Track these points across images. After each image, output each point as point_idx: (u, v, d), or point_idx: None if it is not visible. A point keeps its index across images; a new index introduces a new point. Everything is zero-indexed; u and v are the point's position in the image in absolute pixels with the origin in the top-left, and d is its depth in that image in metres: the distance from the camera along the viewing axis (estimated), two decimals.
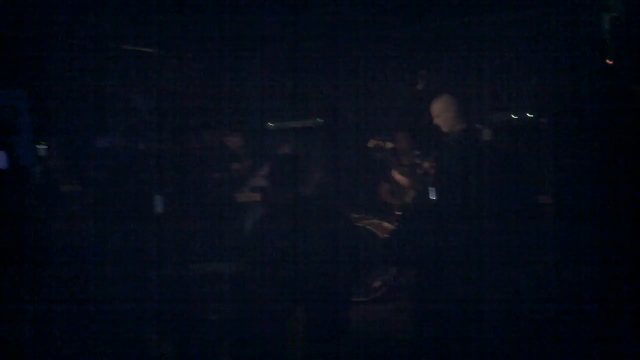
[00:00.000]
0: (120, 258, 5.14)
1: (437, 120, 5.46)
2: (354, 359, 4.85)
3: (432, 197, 5.31)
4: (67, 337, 4.56)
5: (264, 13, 6.37)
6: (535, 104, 6.85)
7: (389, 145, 6.70)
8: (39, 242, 4.81)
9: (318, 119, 7.36)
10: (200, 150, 6.56)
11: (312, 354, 4.65)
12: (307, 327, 4.67)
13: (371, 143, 6.81)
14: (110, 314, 4.85)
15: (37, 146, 6.87)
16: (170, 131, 6.58)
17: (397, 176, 6.44)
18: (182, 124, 6.89)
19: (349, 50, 7.48)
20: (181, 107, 7.17)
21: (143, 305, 4.97)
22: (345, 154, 7.46)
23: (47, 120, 6.78)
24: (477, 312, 4.97)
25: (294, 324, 4.69)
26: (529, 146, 6.72)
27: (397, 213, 6.72)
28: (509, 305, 5.06)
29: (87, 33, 6.30)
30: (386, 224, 6.66)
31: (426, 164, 6.38)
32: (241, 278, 5.35)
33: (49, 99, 6.78)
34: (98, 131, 6.35)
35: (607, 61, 6.31)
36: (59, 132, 6.41)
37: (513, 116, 6.97)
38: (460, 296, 4.97)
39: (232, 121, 7.15)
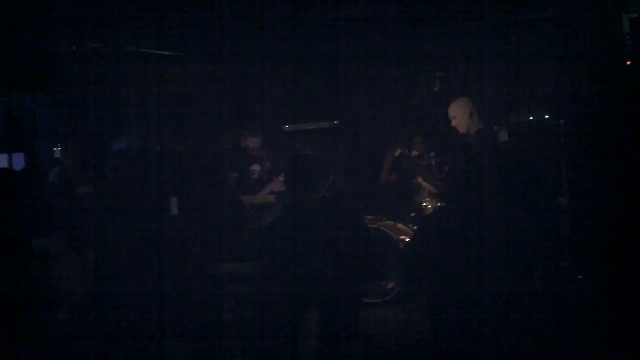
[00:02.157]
0: (135, 258, 5.20)
1: (454, 122, 5.52)
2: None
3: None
4: (77, 336, 4.61)
5: (277, 14, 6.41)
6: (554, 105, 6.80)
7: (415, 153, 6.85)
8: (55, 242, 4.87)
9: (333, 121, 7.39)
10: (216, 152, 6.61)
11: (324, 355, 4.66)
12: (320, 328, 4.68)
13: (397, 152, 6.98)
14: (123, 313, 4.90)
15: (54, 148, 6.99)
16: (186, 133, 6.63)
17: (424, 183, 6.60)
18: (197, 127, 6.95)
19: (362, 51, 7.49)
20: (197, 110, 7.23)
21: (154, 304, 5.02)
22: (359, 156, 7.46)
23: (64, 123, 6.88)
24: (491, 314, 4.95)
25: (306, 325, 4.70)
26: (547, 148, 6.66)
27: (412, 215, 6.72)
28: (522, 307, 5.04)
29: (104, 36, 6.37)
30: (400, 226, 6.65)
31: (445, 167, 6.41)
32: (254, 279, 5.38)
33: (66, 102, 6.88)
34: (114, 133, 6.41)
35: (627, 62, 6.25)
36: (76, 135, 6.49)
37: (531, 118, 6.92)
38: (473, 298, 4.96)
39: (248, 123, 7.18)
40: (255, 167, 6.93)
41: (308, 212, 4.53)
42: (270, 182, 6.78)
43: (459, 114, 5.48)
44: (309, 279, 4.51)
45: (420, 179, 6.63)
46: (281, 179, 6.68)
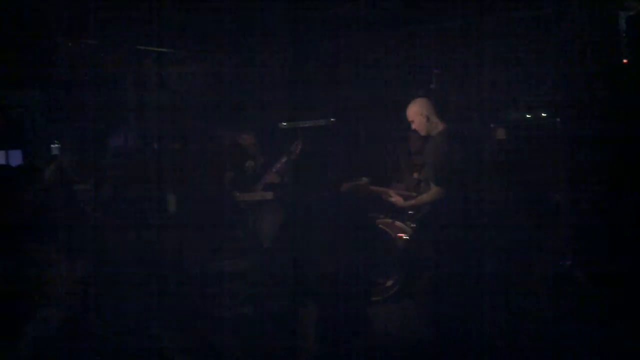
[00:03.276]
0: (132, 256, 5.18)
1: (414, 125, 5.41)
2: (365, 357, 4.85)
3: None
4: (75, 335, 4.59)
5: (274, 11, 6.41)
6: (550, 103, 6.82)
7: (364, 180, 6.19)
8: (53, 240, 4.84)
9: (331, 118, 7.37)
10: (213, 149, 6.60)
11: (324, 352, 4.66)
12: (319, 325, 4.68)
13: (344, 187, 5.88)
14: (121, 312, 4.88)
15: (52, 145, 6.97)
16: (183, 130, 6.62)
17: (393, 198, 5.84)
18: (195, 123, 6.94)
19: (358, 48, 7.49)
20: (194, 106, 7.22)
21: (152, 302, 5.01)
22: (356, 153, 7.46)
23: (62, 120, 6.86)
24: (488, 311, 4.96)
25: (306, 322, 4.70)
26: (544, 146, 6.68)
27: (410, 212, 6.71)
28: (519, 304, 5.05)
29: (101, 32, 6.35)
30: (399, 223, 6.64)
31: (415, 173, 6.34)
32: (254, 276, 5.38)
33: (64, 99, 6.85)
34: (112, 131, 6.41)
35: (624, 60, 6.27)
36: (73, 132, 6.47)
37: (528, 116, 6.94)
38: (470, 297, 4.97)
39: (244, 120, 7.18)
40: (250, 164, 6.94)
41: (311, 210, 4.54)
42: (264, 177, 6.78)
43: (415, 117, 5.35)
44: (307, 276, 4.52)
45: (390, 193, 5.99)
46: (274, 170, 6.69)
